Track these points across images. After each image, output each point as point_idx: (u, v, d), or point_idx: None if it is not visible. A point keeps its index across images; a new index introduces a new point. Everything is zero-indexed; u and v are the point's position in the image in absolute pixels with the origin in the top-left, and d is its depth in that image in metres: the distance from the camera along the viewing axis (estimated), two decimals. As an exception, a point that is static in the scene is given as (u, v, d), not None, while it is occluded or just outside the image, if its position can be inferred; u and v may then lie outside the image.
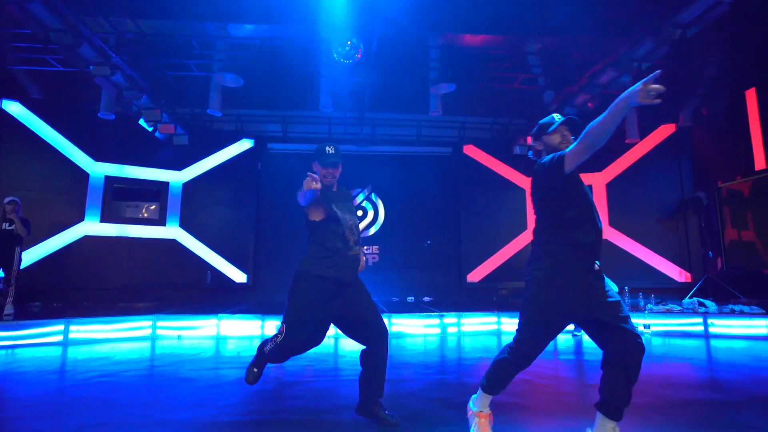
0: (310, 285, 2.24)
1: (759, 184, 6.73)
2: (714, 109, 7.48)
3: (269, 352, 2.29)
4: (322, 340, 2.30)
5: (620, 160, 8.47)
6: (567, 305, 1.90)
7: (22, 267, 5.90)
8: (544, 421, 2.41)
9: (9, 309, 5.35)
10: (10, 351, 4.62)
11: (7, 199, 5.50)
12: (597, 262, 1.93)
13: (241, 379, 2.92)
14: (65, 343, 4.98)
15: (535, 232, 2.08)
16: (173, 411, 2.60)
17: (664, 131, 8.28)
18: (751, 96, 6.68)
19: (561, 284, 1.89)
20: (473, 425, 2.06)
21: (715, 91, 7.27)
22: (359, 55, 4.84)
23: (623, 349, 1.85)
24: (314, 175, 2.15)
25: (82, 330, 5.12)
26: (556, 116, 2.11)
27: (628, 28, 5.14)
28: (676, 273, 8.06)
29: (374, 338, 2.30)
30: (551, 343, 5.45)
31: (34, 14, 4.35)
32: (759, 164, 6.66)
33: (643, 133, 8.17)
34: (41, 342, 4.92)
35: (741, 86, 6.82)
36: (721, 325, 5.70)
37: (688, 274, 7.94)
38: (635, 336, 1.86)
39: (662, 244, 8.17)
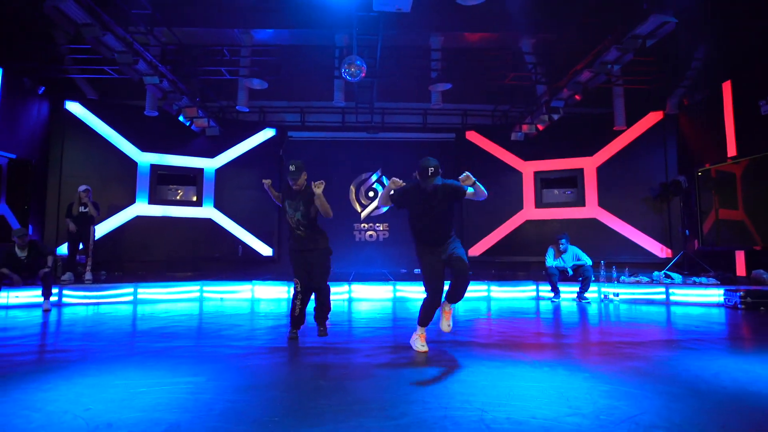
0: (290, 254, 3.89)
1: (751, 166, 7.25)
2: (694, 99, 8.06)
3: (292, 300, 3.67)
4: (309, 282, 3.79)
5: (610, 145, 9.14)
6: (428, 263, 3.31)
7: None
8: (488, 351, 3.45)
9: (88, 275, 6.70)
10: (94, 307, 5.94)
11: (81, 188, 6.75)
12: (438, 243, 3.30)
13: (269, 327, 4.12)
14: (135, 302, 6.29)
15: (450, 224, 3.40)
16: (242, 339, 3.76)
17: (652, 118, 8.88)
18: (726, 88, 7.25)
19: (423, 255, 3.36)
20: (414, 339, 3.36)
21: (697, 83, 7.84)
22: (363, 74, 5.70)
23: (457, 274, 3.23)
24: (266, 180, 3.88)
25: (147, 292, 6.42)
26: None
27: (600, 36, 5.83)
28: (658, 250, 8.84)
29: (315, 290, 3.78)
30: (534, 304, 6.45)
31: (106, 42, 5.42)
32: (731, 152, 7.31)
33: (632, 120, 8.81)
34: (117, 301, 6.25)
35: (719, 79, 7.38)
36: (681, 294, 6.58)
37: (669, 251, 8.72)
38: (463, 269, 3.20)
39: (647, 223, 8.92)
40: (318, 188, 3.54)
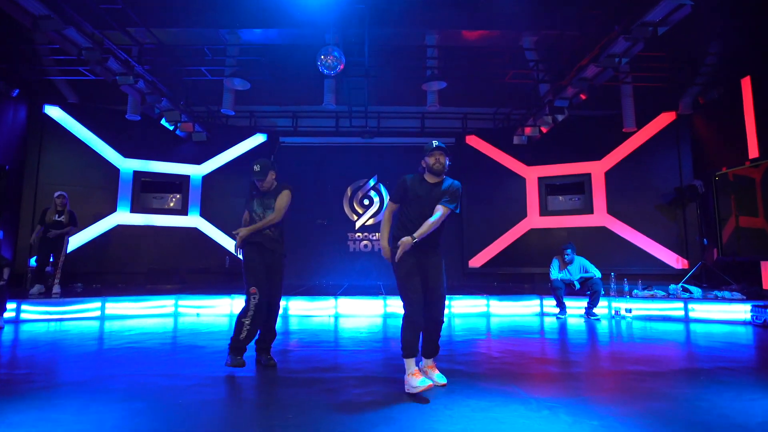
0: (250, 251, 3.21)
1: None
2: (710, 97, 7.49)
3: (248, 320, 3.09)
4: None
5: (619, 149, 8.58)
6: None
7: (67, 252, 6.79)
8: (476, 384, 2.89)
9: (56, 289, 6.25)
10: (58, 323, 5.46)
11: (56, 194, 6.34)
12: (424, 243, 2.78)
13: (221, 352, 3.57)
14: (102, 318, 5.81)
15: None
16: (186, 367, 3.25)
17: (665, 119, 8.32)
18: (746, 84, 6.68)
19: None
20: (408, 381, 2.60)
21: (712, 80, 7.28)
22: (342, 66, 5.25)
23: (431, 306, 2.78)
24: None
25: (116, 307, 5.94)
26: (434, 142, 2.75)
27: (605, 27, 5.33)
28: (673, 260, 8.20)
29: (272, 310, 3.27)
30: (538, 322, 5.86)
31: (69, 37, 5.03)
32: (752, 153, 6.70)
33: (643, 122, 8.25)
34: (83, 317, 5.77)
35: (737, 75, 6.81)
36: (702, 310, 5.92)
37: (686, 261, 8.07)
38: (441, 299, 2.79)
39: (660, 231, 8.30)
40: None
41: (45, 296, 6.01)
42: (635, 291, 6.45)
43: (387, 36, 7.20)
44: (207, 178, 9.10)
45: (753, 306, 5.51)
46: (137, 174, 8.52)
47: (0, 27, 6.50)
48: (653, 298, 6.20)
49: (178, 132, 8.46)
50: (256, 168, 3.22)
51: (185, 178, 8.90)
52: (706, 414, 2.26)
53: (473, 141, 9.65)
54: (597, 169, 8.72)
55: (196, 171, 9.01)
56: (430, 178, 2.80)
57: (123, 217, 8.34)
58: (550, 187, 9.14)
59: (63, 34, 4.84)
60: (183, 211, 8.83)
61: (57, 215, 6.31)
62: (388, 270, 10.59)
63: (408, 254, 2.70)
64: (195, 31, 7.22)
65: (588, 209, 8.77)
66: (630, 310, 6.06)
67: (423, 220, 2.71)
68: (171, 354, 3.85)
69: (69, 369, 3.30)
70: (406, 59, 7.72)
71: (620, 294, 6.39)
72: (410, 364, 2.61)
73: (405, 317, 2.67)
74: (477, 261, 9.33)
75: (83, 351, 3.93)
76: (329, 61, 5.22)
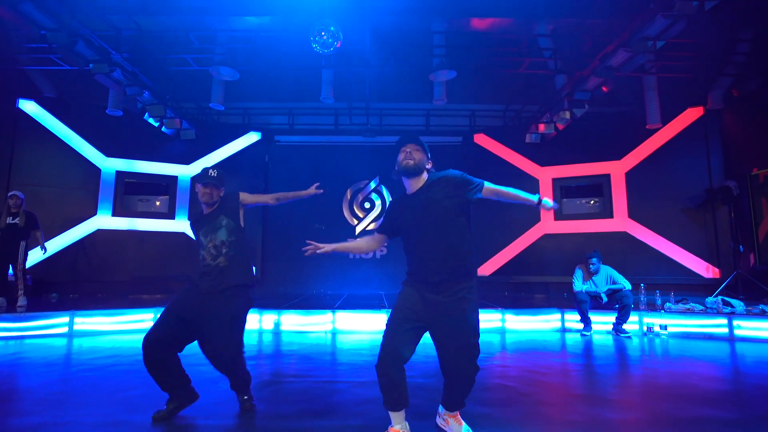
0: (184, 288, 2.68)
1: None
2: (746, 89, 6.84)
3: None
4: (179, 347, 2.63)
5: (642, 147, 7.92)
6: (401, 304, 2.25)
7: (40, 260, 6.15)
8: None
9: (22, 301, 5.59)
10: (19, 341, 4.81)
11: (9, 194, 5.65)
12: (433, 280, 2.19)
13: (218, 377, 2.94)
14: (70, 335, 5.15)
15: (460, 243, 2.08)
16: (138, 411, 2.59)
17: (691, 115, 7.66)
18: (789, 74, 6.04)
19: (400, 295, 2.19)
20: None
21: (745, 70, 6.63)
22: (338, 44, 4.64)
23: (451, 363, 2.20)
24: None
25: (86, 322, 5.28)
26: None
27: (638, 5, 4.71)
28: (702, 269, 7.51)
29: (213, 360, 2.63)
30: (559, 339, 5.19)
31: (27, 14, 4.42)
32: (796, 150, 6.05)
33: (667, 118, 7.60)
34: (48, 333, 5.10)
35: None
36: (748, 328, 5.24)
37: (717, 270, 7.38)
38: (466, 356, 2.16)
39: (688, 237, 7.62)
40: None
41: (8, 310, 5.36)
42: (667, 304, 5.77)
43: (390, 24, 6.58)
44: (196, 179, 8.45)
45: (809, 323, 4.83)
46: (120, 174, 7.89)
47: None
48: (691, 312, 5.52)
49: (164, 129, 7.83)
50: (213, 173, 2.68)
51: (172, 179, 8.27)
52: None
53: (482, 140, 9.01)
54: (617, 170, 8.06)
55: (185, 171, 8.38)
56: (411, 185, 2.15)
57: (104, 220, 7.70)
58: (565, 189, 8.48)
59: (18, 9, 4.21)
60: (170, 214, 8.18)
61: (11, 218, 5.60)
62: (390, 278, 9.93)
63: (412, 290, 2.11)
64: (178, 18, 6.59)
65: (607, 213, 8.10)
66: (665, 327, 5.38)
67: (429, 244, 2.07)
68: (132, 387, 3.18)
69: (-3, 411, 2.65)
70: (411, 49, 7.10)
71: (652, 308, 5.71)
72: (393, 418, 2.00)
73: (376, 364, 2.02)
74: (486, 269, 8.67)
75: (29, 382, 3.28)
76: (324, 37, 4.60)
